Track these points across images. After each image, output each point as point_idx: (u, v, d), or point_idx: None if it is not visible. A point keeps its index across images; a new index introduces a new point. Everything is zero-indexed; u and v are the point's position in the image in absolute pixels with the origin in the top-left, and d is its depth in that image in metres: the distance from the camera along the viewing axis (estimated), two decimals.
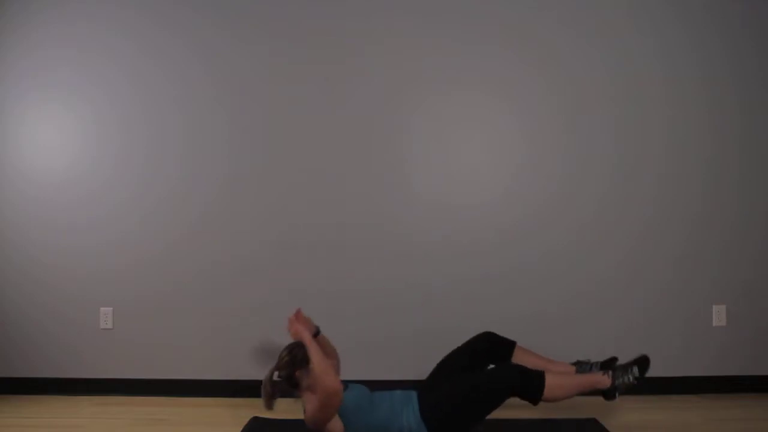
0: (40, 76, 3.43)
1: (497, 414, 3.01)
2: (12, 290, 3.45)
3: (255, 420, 2.92)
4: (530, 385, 2.52)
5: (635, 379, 2.67)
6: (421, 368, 3.05)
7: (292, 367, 2.60)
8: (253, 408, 3.14)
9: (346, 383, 2.61)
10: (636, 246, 3.35)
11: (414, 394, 2.59)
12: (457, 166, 3.37)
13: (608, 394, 2.68)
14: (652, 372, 3.30)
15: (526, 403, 3.15)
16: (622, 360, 2.82)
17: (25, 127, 3.44)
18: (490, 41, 3.36)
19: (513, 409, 3.10)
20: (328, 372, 2.42)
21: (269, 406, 2.59)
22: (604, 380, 2.66)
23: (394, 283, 3.37)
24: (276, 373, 2.62)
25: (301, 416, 2.64)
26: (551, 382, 2.55)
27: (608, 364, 2.78)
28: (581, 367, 2.80)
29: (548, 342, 3.27)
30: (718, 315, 3.34)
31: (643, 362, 2.71)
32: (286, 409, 2.86)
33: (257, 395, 3.26)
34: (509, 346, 2.78)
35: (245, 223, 3.39)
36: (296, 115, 3.39)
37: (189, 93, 3.40)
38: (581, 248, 3.35)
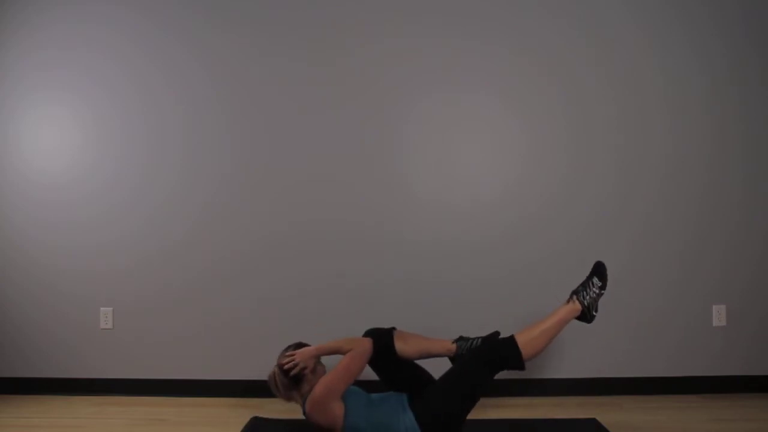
0: (41, 76, 3.43)
1: (497, 414, 3.01)
2: (12, 290, 3.45)
3: (255, 420, 2.92)
4: (506, 355, 2.55)
5: (600, 289, 2.68)
6: None
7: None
8: (253, 408, 3.15)
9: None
10: (636, 246, 3.35)
11: (405, 397, 2.59)
12: (457, 165, 3.37)
13: (584, 317, 2.69)
14: (652, 372, 3.33)
15: (527, 401, 3.15)
16: None
17: (25, 128, 3.44)
18: (490, 41, 3.36)
19: (513, 409, 3.11)
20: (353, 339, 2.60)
21: (284, 395, 2.62)
22: (573, 308, 2.67)
23: (394, 283, 3.37)
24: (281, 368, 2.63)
25: (301, 416, 2.64)
26: (523, 341, 2.57)
27: (490, 338, 2.74)
28: (463, 343, 2.78)
29: None
30: (718, 315, 3.34)
31: (598, 270, 2.72)
32: (286, 409, 2.87)
33: (257, 395, 3.28)
34: (388, 333, 2.77)
35: (244, 223, 3.39)
36: (297, 114, 3.39)
37: (189, 93, 3.40)
38: (582, 249, 3.35)
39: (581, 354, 3.34)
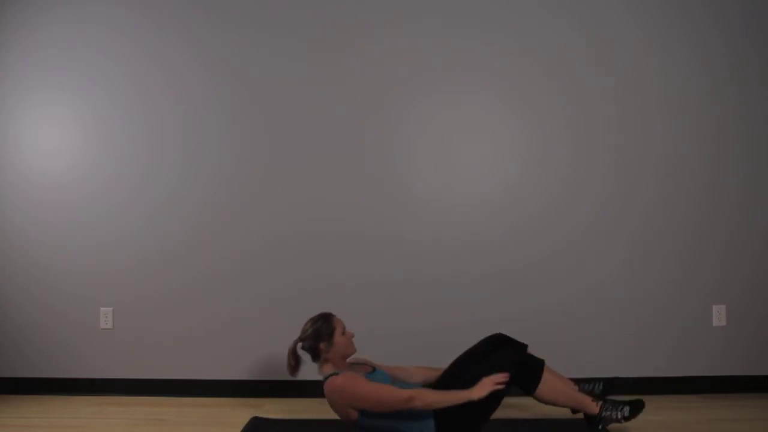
0: (41, 76, 3.43)
1: (498, 414, 3.01)
2: (12, 290, 3.45)
3: (255, 420, 2.92)
4: (528, 369, 2.52)
5: (623, 419, 2.63)
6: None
7: (315, 340, 2.60)
8: (253, 408, 3.15)
9: (374, 367, 2.65)
10: (636, 246, 3.35)
11: None
12: (457, 165, 3.37)
13: (592, 421, 2.66)
14: (653, 372, 3.33)
15: (527, 401, 3.14)
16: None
17: (25, 128, 3.44)
18: (490, 41, 3.36)
19: (513, 409, 3.11)
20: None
21: (294, 374, 2.61)
22: (591, 406, 2.65)
23: (394, 283, 3.37)
24: (300, 344, 2.63)
25: (301, 416, 2.64)
26: (549, 377, 2.56)
27: (610, 384, 2.79)
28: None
29: (548, 341, 3.28)
30: (718, 315, 3.34)
31: (637, 405, 2.65)
32: (286, 409, 2.87)
33: (257, 395, 3.29)
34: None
35: (245, 223, 3.39)
36: (297, 114, 3.39)
37: (189, 93, 3.41)
38: (582, 248, 3.35)
39: (581, 354, 3.33)
